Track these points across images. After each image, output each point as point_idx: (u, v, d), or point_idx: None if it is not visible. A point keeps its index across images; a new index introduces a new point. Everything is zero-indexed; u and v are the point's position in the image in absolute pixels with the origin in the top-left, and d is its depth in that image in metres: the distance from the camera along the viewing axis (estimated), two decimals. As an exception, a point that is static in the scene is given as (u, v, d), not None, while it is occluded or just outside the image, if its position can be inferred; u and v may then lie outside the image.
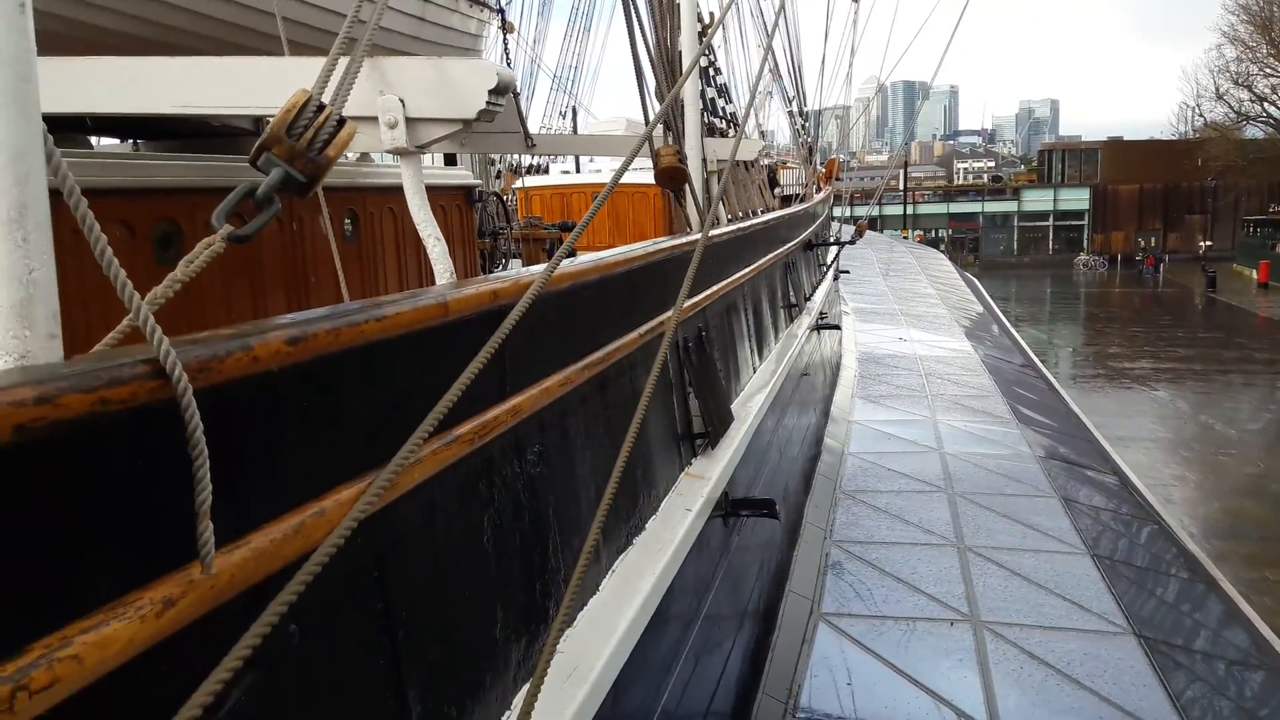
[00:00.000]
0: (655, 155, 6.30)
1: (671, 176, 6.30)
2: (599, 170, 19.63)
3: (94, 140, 7.82)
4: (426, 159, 10.27)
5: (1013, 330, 31.77)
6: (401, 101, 3.18)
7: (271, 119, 2.28)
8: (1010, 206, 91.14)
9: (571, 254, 3.32)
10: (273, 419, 1.92)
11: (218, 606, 1.71)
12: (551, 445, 3.32)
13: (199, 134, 8.46)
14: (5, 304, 1.63)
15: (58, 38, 5.23)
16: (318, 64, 2.58)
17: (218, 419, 1.68)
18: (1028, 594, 9.61)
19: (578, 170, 21.97)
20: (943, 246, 79.17)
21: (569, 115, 27.23)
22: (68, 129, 6.87)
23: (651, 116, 5.61)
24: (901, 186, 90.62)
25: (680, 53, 7.34)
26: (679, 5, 7.39)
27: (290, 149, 2.18)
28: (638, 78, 6.19)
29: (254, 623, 1.72)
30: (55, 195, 1.68)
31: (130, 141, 8.81)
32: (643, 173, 8.86)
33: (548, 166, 22.50)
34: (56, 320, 1.70)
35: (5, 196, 1.59)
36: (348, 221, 7.82)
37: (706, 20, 11.68)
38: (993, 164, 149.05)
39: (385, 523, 2.25)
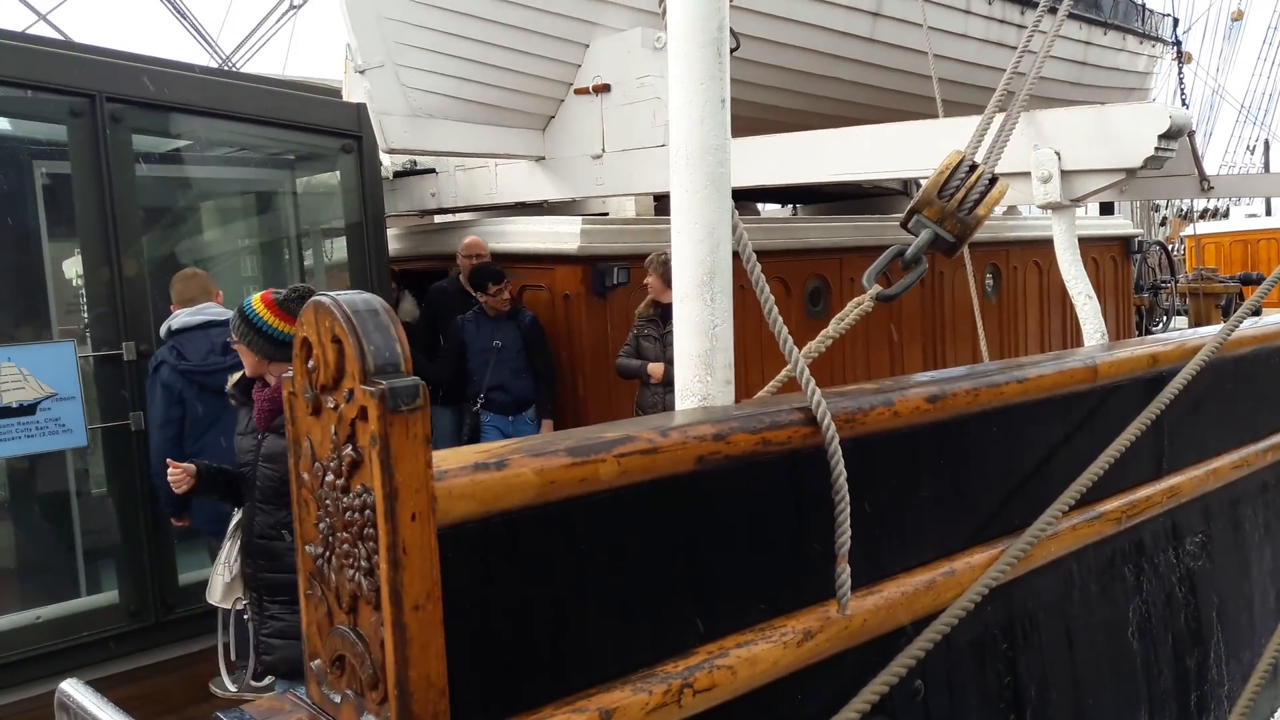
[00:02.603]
0: (1381, 192, 5.10)
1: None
2: (1299, 212, 16.54)
3: (760, 207, 8.93)
4: (1079, 209, 9.69)
5: None
6: (1057, 154, 3.05)
7: (922, 181, 2.36)
8: None
9: (1256, 313, 2.85)
10: (909, 473, 1.97)
11: (850, 647, 1.79)
12: (1219, 536, 2.85)
13: (849, 196, 9.15)
14: (694, 353, 1.94)
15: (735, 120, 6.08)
16: (970, 123, 2.60)
17: (859, 468, 1.78)
18: None
19: (1268, 213, 18.81)
20: None
21: (1258, 150, 23.53)
22: (741, 198, 7.96)
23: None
24: None
25: None
26: None
27: (941, 210, 2.23)
28: (1359, 100, 5.08)
29: (882, 670, 1.77)
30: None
31: (789, 206, 9.88)
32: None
33: (1228, 210, 19.67)
34: (731, 368, 1.97)
35: (700, 263, 1.89)
36: (989, 277, 7.75)
37: None
38: None
39: (1017, 594, 2.14)
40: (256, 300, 3.49)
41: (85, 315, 5.08)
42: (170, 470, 3.57)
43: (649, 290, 5.37)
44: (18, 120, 5.05)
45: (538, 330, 6.01)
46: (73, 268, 5.32)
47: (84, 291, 5.02)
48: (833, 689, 1.77)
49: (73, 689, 2.07)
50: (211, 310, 4.68)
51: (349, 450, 1.32)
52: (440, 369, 5.91)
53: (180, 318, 4.64)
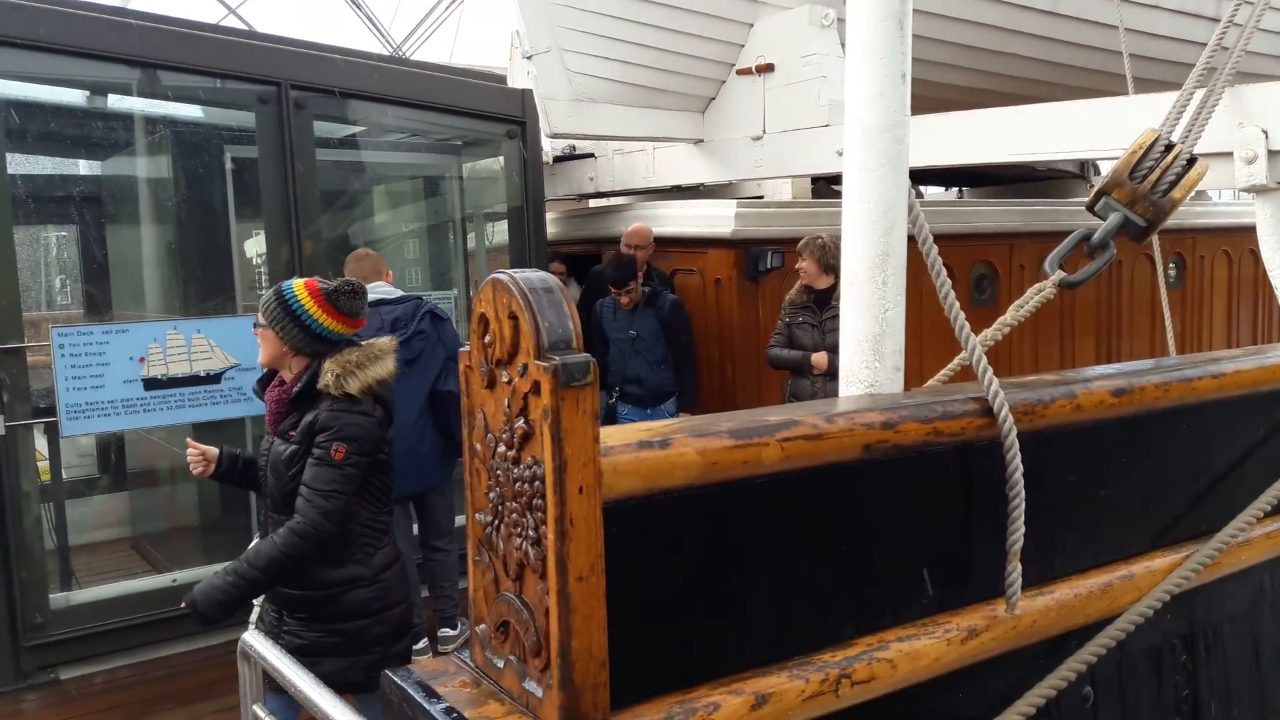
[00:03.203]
0: None
1: None
2: None
3: (922, 189, 8.60)
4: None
5: None
6: (1264, 133, 2.81)
7: (1106, 161, 2.22)
8: None
9: None
10: (1089, 470, 1.86)
11: (1016, 648, 1.72)
12: None
13: (1019, 178, 8.70)
14: (862, 337, 1.89)
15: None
16: (1165, 100, 2.43)
17: (1036, 463, 1.69)
18: None
19: None
20: None
21: None
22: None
23: None
24: None
25: None
26: None
27: (1132, 192, 2.09)
28: None
29: (1050, 674, 1.70)
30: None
31: (954, 189, 9.50)
32: None
33: None
34: (901, 354, 1.91)
35: (873, 245, 1.84)
36: (1172, 266, 7.25)
37: None
38: None
39: (1200, 602, 2.00)
40: (300, 285, 3.13)
41: (265, 292, 5.39)
42: (189, 450, 3.22)
43: (801, 275, 5.18)
44: (210, 108, 5.41)
45: (679, 314, 5.72)
46: (253, 247, 5.67)
47: (264, 269, 5.35)
48: (997, 690, 1.70)
49: (254, 639, 2.22)
50: (382, 289, 4.88)
51: (521, 423, 1.35)
52: None
53: (352, 296, 4.86)
